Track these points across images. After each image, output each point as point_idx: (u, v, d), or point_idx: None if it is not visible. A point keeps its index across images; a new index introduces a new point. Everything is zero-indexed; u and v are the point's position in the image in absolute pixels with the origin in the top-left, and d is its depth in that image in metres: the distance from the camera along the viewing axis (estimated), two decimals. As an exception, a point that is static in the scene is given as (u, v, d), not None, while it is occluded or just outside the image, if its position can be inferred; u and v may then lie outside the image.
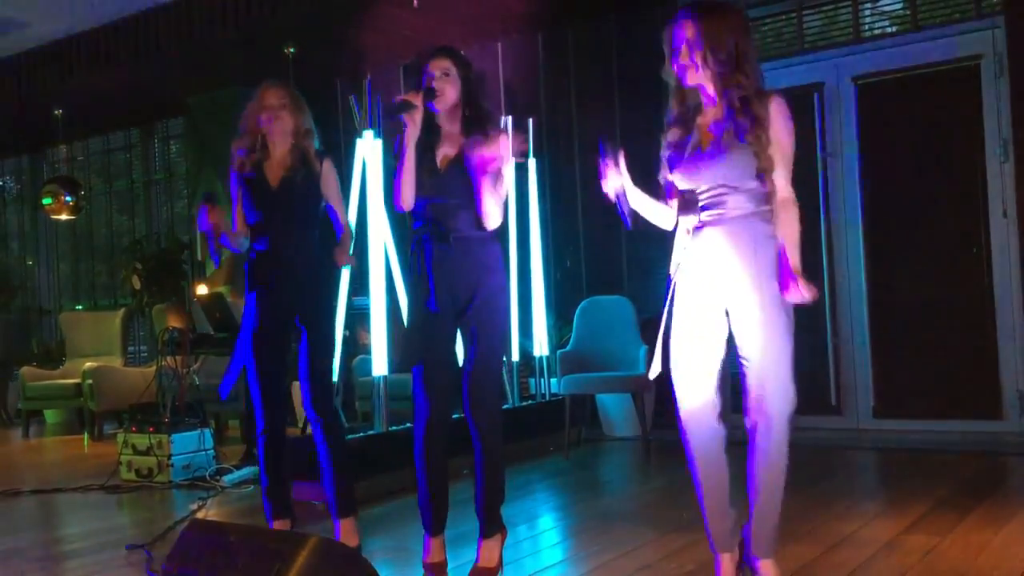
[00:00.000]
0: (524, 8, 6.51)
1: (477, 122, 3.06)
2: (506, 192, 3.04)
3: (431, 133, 3.10)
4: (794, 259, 2.51)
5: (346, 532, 3.48)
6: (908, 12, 5.94)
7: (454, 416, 3.11)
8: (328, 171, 3.56)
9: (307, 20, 6.52)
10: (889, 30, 6.08)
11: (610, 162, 2.62)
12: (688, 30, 2.54)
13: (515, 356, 5.83)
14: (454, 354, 3.16)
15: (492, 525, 3.10)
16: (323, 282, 3.59)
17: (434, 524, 3.13)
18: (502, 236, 3.28)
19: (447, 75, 3.04)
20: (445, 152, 3.08)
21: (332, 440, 3.48)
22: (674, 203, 2.71)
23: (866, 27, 6.11)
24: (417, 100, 3.01)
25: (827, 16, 6.24)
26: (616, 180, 2.63)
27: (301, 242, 3.50)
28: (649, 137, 6.36)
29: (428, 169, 3.05)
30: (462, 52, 3.13)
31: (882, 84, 5.96)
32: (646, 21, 6.65)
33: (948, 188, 5.75)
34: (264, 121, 3.53)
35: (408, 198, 3.07)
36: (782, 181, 2.55)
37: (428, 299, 3.06)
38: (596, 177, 2.66)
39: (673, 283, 2.66)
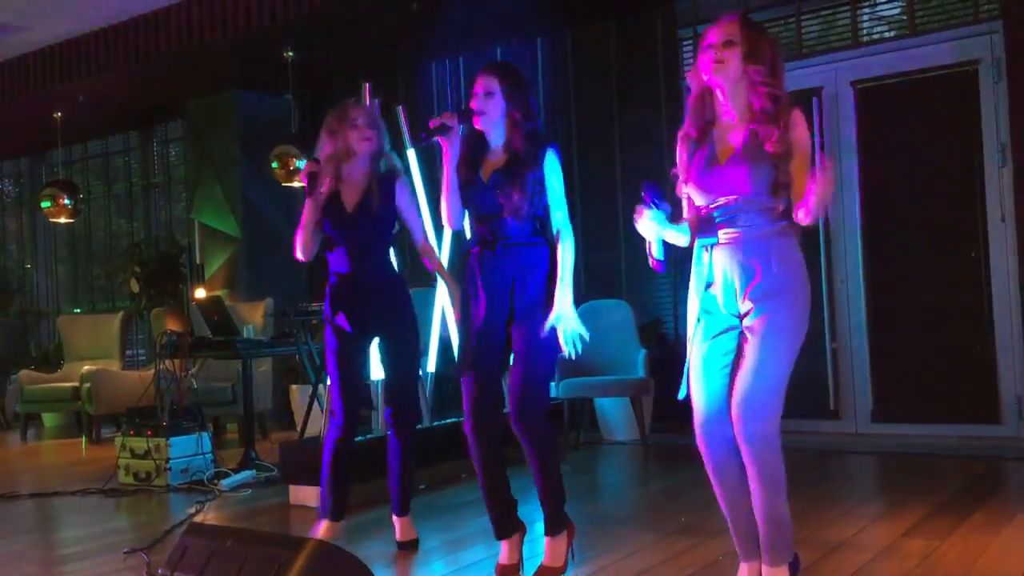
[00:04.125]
0: (524, 13, 6.52)
1: (519, 141, 3.06)
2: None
3: (478, 147, 3.14)
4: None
5: (403, 528, 3.68)
6: (906, 17, 5.95)
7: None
8: (406, 191, 3.65)
9: (306, 24, 6.52)
10: (887, 35, 6.09)
11: (651, 209, 2.59)
12: (730, 28, 2.57)
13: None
14: (503, 363, 3.14)
15: (555, 524, 3.12)
16: (402, 302, 3.65)
17: (495, 527, 3.14)
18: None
19: (491, 94, 3.07)
20: (491, 163, 3.11)
21: (401, 445, 3.68)
22: (691, 221, 2.70)
23: (864, 32, 6.12)
24: (452, 121, 3.07)
25: (826, 21, 6.25)
26: (654, 228, 2.60)
27: (378, 264, 3.60)
28: (647, 141, 6.39)
29: (472, 183, 3.10)
30: (513, 68, 3.16)
31: (881, 89, 5.97)
32: (644, 27, 6.67)
33: (946, 192, 5.76)
34: (354, 140, 3.56)
35: (452, 218, 3.15)
36: (804, 187, 2.53)
37: (478, 310, 3.10)
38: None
39: (692, 304, 2.66)
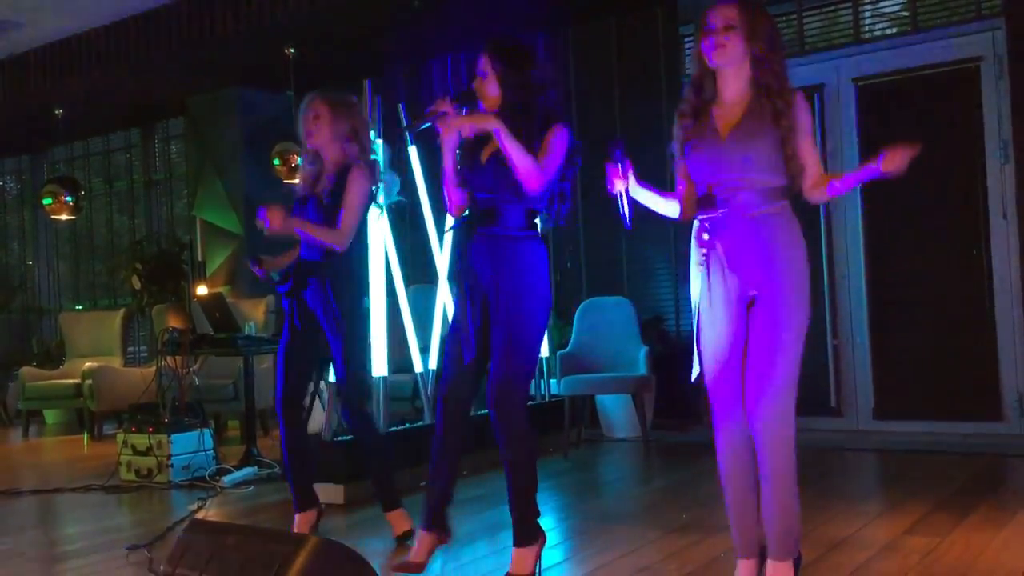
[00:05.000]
0: (524, 10, 6.51)
1: (512, 118, 2.92)
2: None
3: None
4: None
5: (394, 523, 3.66)
6: (908, 14, 5.94)
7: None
8: (353, 178, 3.51)
9: (307, 20, 6.52)
10: (889, 31, 6.08)
11: (617, 168, 2.61)
12: (728, 12, 2.59)
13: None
14: (480, 356, 3.02)
15: (523, 534, 2.97)
16: (347, 296, 3.55)
17: (424, 516, 3.08)
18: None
19: (483, 73, 2.99)
20: (491, 147, 2.98)
21: (359, 441, 3.68)
22: (682, 195, 2.73)
23: (866, 28, 6.11)
24: (445, 106, 2.98)
25: (828, 17, 6.25)
26: (620, 184, 2.62)
27: (324, 253, 3.52)
28: (648, 136, 6.39)
29: (471, 165, 3.01)
30: (505, 43, 3.01)
31: (882, 85, 5.96)
32: (645, 22, 6.67)
33: (948, 189, 5.75)
34: (304, 137, 3.58)
35: (452, 204, 3.09)
36: (816, 164, 2.63)
37: (456, 300, 3.07)
38: (596, 178, 2.66)
39: (695, 285, 2.66)
